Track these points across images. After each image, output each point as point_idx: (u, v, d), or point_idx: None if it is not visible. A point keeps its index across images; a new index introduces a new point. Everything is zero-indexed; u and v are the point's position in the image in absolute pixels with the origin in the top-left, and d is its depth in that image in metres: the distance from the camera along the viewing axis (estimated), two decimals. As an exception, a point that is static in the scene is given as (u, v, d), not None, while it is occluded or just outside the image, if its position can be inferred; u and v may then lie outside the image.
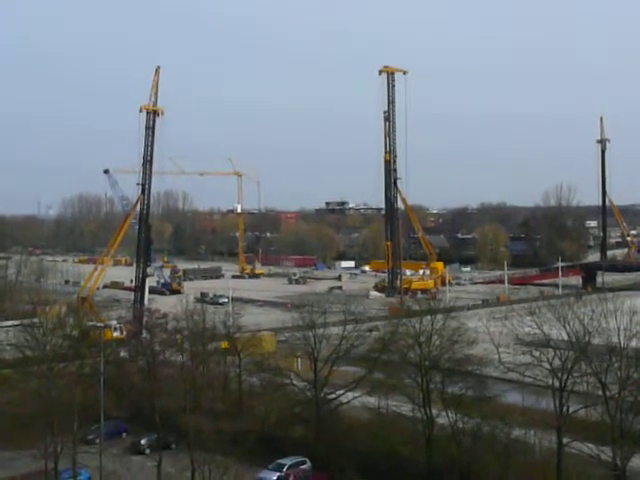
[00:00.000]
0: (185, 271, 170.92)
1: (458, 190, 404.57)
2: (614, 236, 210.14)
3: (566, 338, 42.42)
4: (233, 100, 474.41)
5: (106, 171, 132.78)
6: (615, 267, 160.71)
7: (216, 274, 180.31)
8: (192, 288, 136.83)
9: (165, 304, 79.80)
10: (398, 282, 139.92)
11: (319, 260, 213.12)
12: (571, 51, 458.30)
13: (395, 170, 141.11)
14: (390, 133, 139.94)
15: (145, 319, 70.22)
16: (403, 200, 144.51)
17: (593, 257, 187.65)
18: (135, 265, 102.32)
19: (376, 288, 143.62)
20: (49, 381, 46.44)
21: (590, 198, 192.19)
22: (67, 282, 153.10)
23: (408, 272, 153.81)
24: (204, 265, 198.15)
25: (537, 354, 42.47)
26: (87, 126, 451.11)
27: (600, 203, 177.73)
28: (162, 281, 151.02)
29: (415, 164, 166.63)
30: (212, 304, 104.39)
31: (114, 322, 79.34)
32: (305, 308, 56.54)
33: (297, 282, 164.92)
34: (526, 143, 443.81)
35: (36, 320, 58.09)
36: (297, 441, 48.66)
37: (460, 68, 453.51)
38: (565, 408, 40.36)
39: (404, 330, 49.37)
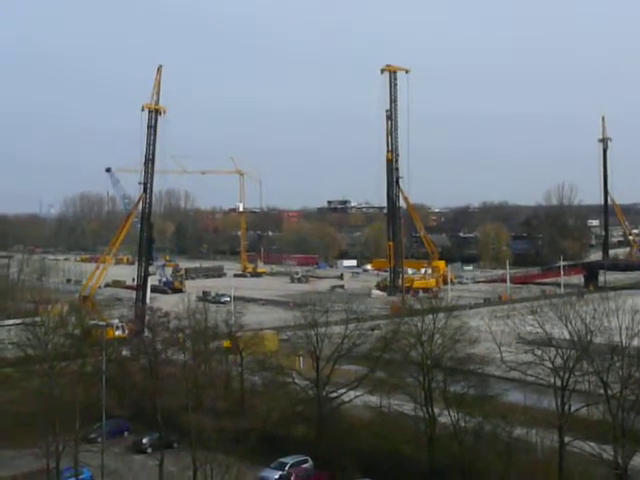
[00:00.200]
0: (187, 270, 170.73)
1: (460, 189, 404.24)
2: (616, 235, 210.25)
3: (568, 337, 42.41)
4: (234, 100, 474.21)
5: (108, 170, 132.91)
6: (617, 266, 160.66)
7: (218, 273, 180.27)
8: (194, 287, 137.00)
9: (167, 303, 79.93)
10: (400, 281, 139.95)
11: (321, 259, 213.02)
12: (571, 51, 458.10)
13: (397, 169, 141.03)
14: (392, 132, 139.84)
15: (147, 318, 70.50)
16: (405, 199, 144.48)
17: (595, 256, 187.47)
18: (137, 264, 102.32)
19: (378, 287, 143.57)
20: (51, 380, 46.45)
21: (592, 197, 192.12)
22: (69, 281, 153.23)
23: (410, 271, 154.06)
24: (206, 264, 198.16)
25: (539, 353, 42.45)
26: (88, 125, 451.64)
27: (602, 202, 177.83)
28: (164, 280, 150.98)
29: (417, 163, 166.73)
30: (214, 303, 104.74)
31: (116, 321, 79.64)
32: (307, 307, 56.57)
33: (299, 281, 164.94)
34: (527, 142, 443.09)
35: (38, 319, 58.25)
36: (299, 440, 48.67)
37: (460, 68, 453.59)
38: (567, 407, 40.36)
39: (406, 329, 49.37)
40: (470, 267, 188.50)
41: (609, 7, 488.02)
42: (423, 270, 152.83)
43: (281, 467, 45.84)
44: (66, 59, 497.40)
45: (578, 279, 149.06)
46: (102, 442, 44.42)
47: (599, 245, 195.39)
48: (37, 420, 43.58)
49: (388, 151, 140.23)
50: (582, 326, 41.63)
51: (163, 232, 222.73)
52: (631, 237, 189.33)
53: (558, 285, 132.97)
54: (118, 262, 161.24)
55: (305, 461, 46.90)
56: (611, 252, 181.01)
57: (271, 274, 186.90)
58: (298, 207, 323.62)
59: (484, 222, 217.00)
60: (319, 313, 53.00)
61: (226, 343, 61.00)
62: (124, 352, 62.84)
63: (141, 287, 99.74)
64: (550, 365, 41.27)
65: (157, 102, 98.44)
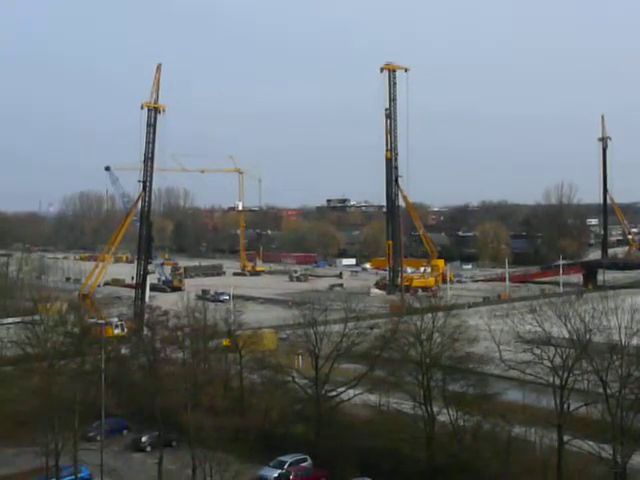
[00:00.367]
0: (186, 268, 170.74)
1: (459, 188, 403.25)
2: (615, 234, 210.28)
3: (567, 336, 42.40)
4: (234, 98, 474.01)
5: (107, 168, 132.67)
6: (616, 265, 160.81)
7: (217, 271, 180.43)
8: (193, 285, 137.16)
9: (166, 301, 79.86)
10: (399, 280, 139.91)
11: (320, 257, 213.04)
12: (571, 51, 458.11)
13: (396, 168, 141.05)
14: (391, 131, 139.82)
15: (146, 316, 70.36)
16: (404, 198, 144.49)
17: (594, 255, 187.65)
18: (136, 262, 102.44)
19: (377, 286, 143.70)
20: (50, 378, 46.51)
21: (591, 196, 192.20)
22: (68, 279, 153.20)
23: (409, 270, 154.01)
24: (205, 262, 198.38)
25: (538, 352, 42.41)
26: (88, 124, 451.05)
27: (601, 201, 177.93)
28: (163, 278, 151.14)
29: (416, 162, 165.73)
30: (213, 301, 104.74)
31: (115, 319, 79.58)
32: (306, 305, 56.48)
33: (298, 279, 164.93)
34: (527, 142, 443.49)
35: (37, 317, 58.28)
36: (298, 438, 48.74)
37: (461, 68, 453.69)
38: (566, 406, 40.37)
39: (405, 328, 49.41)
40: (469, 266, 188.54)
41: (609, 7, 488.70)
42: (422, 269, 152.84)
43: (280, 465, 45.91)
44: (66, 58, 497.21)
45: (577, 278, 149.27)
46: (101, 440, 44.50)
47: (598, 244, 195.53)
48: (36, 418, 43.58)
49: (387, 150, 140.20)
50: (581, 325, 41.63)
51: (162, 230, 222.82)
52: (630, 236, 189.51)
53: (557, 284, 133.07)
54: (117, 260, 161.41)
55: (304, 459, 46.97)
56: (610, 251, 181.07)
57: (270, 273, 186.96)
58: (297, 206, 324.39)
59: (483, 221, 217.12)
60: (318, 312, 52.97)
61: (225, 342, 60.94)
62: (123, 350, 62.84)
63: (140, 285, 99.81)
64: (549, 364, 41.26)
65: (156, 100, 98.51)
